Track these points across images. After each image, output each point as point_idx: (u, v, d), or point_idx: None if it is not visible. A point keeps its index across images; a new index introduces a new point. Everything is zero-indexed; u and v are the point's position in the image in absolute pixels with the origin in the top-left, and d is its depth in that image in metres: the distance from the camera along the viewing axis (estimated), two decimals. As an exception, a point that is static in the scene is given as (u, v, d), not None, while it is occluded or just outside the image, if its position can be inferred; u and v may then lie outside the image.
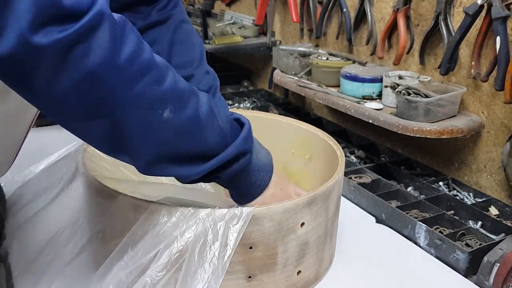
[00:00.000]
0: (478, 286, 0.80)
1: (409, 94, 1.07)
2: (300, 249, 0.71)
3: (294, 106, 1.63)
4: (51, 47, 0.44)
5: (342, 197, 0.92)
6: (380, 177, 1.10)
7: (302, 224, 0.69)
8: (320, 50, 1.45)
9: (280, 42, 1.73)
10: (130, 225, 0.65)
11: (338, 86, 1.28)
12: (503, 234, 0.91)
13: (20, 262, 0.77)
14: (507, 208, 0.99)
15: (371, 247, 0.89)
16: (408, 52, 1.22)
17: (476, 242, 0.89)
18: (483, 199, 1.04)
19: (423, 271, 0.84)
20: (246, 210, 0.64)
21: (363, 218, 1.00)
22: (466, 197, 1.07)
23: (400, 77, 1.16)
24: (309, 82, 1.34)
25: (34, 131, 0.88)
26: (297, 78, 1.38)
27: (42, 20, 0.43)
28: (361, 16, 1.35)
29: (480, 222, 0.96)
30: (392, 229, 0.95)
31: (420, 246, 0.91)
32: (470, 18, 1.00)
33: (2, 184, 0.92)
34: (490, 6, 0.97)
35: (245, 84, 1.92)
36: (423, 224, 0.91)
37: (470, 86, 1.09)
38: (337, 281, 0.79)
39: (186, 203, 0.76)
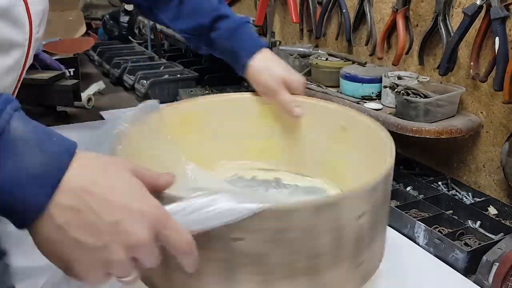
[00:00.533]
0: (477, 285, 0.80)
1: (408, 94, 1.07)
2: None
3: (293, 106, 1.63)
4: None
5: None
6: (379, 177, 1.11)
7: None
8: (319, 51, 1.45)
9: (280, 42, 1.73)
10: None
11: (338, 86, 1.29)
12: (502, 234, 0.91)
13: (19, 259, 0.77)
14: (506, 208, 0.99)
15: (370, 247, 0.89)
16: (407, 53, 1.23)
17: (475, 242, 0.90)
18: (482, 198, 1.04)
19: (422, 271, 0.84)
20: None
21: (363, 218, 1.01)
22: (465, 196, 1.07)
23: (399, 78, 1.16)
24: (308, 82, 1.35)
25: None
26: (296, 79, 1.38)
27: None
28: (361, 16, 1.35)
29: (479, 222, 0.96)
30: (392, 228, 0.96)
31: (419, 246, 0.91)
32: (469, 18, 1.01)
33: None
34: (489, 6, 0.97)
35: (245, 84, 1.92)
36: (422, 224, 0.91)
37: (469, 86, 1.09)
38: (337, 280, 0.79)
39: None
